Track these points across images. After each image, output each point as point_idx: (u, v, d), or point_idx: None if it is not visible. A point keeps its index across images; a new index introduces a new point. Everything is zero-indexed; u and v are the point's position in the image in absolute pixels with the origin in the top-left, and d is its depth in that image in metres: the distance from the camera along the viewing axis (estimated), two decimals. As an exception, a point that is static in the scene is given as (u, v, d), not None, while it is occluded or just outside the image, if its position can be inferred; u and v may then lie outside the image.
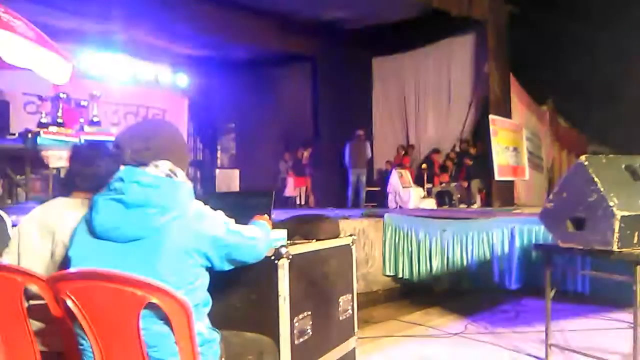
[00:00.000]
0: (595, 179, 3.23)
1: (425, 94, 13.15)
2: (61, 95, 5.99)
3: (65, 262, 2.02)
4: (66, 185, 2.52)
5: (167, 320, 1.78)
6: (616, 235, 3.12)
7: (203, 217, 1.97)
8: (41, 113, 5.90)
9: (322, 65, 13.29)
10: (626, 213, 3.13)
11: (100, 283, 1.77)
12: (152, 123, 2.10)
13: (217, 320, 2.13)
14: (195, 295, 1.93)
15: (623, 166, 3.42)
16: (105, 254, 1.88)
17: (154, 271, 1.82)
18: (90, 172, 2.46)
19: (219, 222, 2.02)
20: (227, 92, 13.43)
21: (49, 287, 1.90)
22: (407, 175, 11.36)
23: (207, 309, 2.05)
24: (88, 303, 1.80)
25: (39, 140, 5.38)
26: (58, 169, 5.59)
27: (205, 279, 2.00)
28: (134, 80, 11.35)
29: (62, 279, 1.84)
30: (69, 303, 1.80)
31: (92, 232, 1.91)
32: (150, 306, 1.74)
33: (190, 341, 1.80)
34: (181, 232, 1.89)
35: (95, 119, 6.18)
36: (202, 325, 1.99)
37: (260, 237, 2.20)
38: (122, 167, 1.97)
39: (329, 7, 11.06)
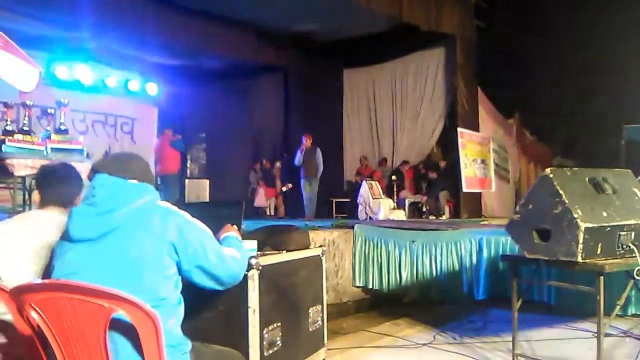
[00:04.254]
0: (560, 192, 3.30)
1: (395, 106, 13.29)
2: (27, 102, 5.85)
3: (49, 273, 2.07)
4: (42, 200, 2.53)
5: (134, 332, 1.75)
6: (580, 246, 3.19)
7: (188, 222, 2.07)
8: (6, 120, 5.75)
9: (294, 76, 13.33)
10: (590, 225, 3.19)
11: (65, 294, 1.74)
12: (127, 153, 2.30)
13: (185, 331, 2.11)
14: (169, 285, 1.98)
15: (587, 179, 3.50)
16: (81, 254, 1.94)
17: (129, 259, 1.90)
18: (66, 191, 2.51)
19: (204, 234, 2.12)
20: (198, 102, 13.33)
21: (13, 299, 1.84)
22: (377, 186, 11.43)
23: (180, 309, 2.06)
24: (53, 315, 1.76)
25: (3, 148, 5.23)
26: (23, 178, 5.46)
27: (177, 274, 2.04)
28: (102, 88, 11.17)
29: (27, 291, 1.81)
30: (34, 315, 1.77)
31: (69, 238, 1.98)
32: (117, 317, 1.72)
33: (158, 353, 1.77)
34: (152, 222, 1.98)
35: (62, 127, 6.05)
36: (174, 323, 2.00)
37: (238, 259, 2.25)
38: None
39: (302, 20, 11.11)
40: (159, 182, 9.96)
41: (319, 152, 10.77)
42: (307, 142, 10.81)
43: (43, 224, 2.38)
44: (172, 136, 10.47)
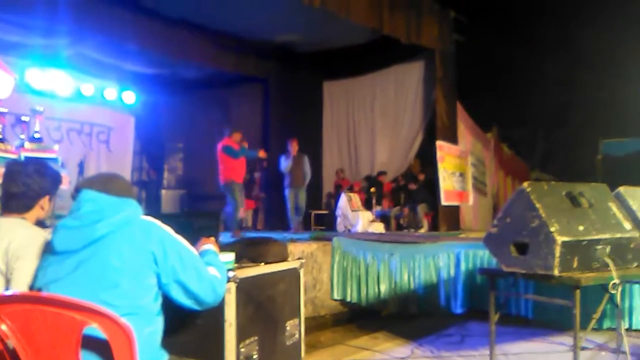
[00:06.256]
0: (537, 205, 3.32)
1: (374, 118, 13.32)
2: (1, 109, 5.75)
3: (32, 287, 2.12)
4: (2, 205, 2.43)
5: (107, 346, 1.72)
6: (557, 260, 3.21)
7: (170, 236, 2.11)
8: (-22, 128, 5.64)
9: (273, 87, 13.31)
10: (566, 238, 3.22)
11: (37, 306, 1.73)
12: (109, 172, 2.39)
13: (162, 344, 2.09)
14: (148, 295, 2.00)
15: (563, 193, 3.53)
16: (63, 264, 1.98)
17: (109, 267, 1.93)
18: (16, 191, 2.37)
19: (186, 251, 2.14)
20: (176, 111, 13.23)
21: (-18, 311, 1.80)
22: (356, 198, 11.42)
23: (159, 320, 2.08)
24: (24, 327, 1.74)
25: (-25, 156, 5.14)
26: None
27: (157, 287, 2.06)
28: (78, 97, 11.01)
29: None
30: (4, 328, 1.74)
31: (53, 251, 2.03)
32: (90, 331, 1.70)
33: (132, 368, 1.73)
34: (135, 233, 2.02)
35: (36, 135, 5.95)
36: (151, 332, 2.01)
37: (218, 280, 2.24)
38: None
39: (282, 30, 11.12)
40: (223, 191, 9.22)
41: (306, 160, 10.26)
42: (294, 148, 10.14)
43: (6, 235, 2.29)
44: (237, 142, 9.18)
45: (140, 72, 12.02)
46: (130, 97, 11.99)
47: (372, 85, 13.27)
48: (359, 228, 10.52)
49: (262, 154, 9.30)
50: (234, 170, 9.02)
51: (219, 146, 9.11)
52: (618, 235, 3.47)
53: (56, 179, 2.53)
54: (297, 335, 3.21)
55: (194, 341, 2.57)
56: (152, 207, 11.55)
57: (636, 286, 4.93)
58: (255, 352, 2.72)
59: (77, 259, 1.96)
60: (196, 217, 3.10)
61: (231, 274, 2.56)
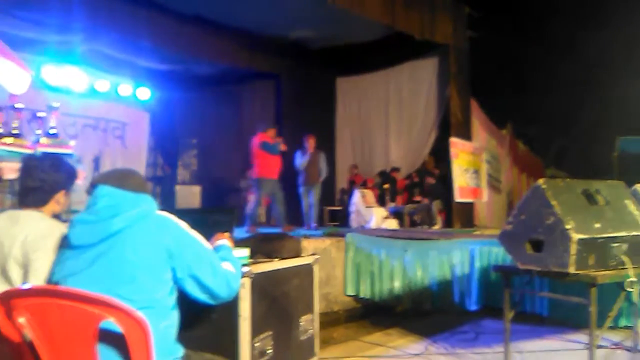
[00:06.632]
0: (553, 202, 3.29)
1: (388, 115, 13.29)
2: (18, 105, 5.80)
3: (49, 281, 2.14)
4: (19, 199, 2.46)
5: (124, 340, 1.73)
6: (572, 257, 3.18)
7: (185, 232, 2.13)
8: (-4, 123, 5.70)
9: (287, 83, 13.32)
10: (582, 236, 3.19)
11: (55, 300, 1.74)
12: (124, 168, 2.40)
13: (177, 338, 2.11)
14: (163, 289, 2.02)
15: (579, 190, 3.50)
16: (79, 258, 2.00)
17: (124, 262, 1.95)
18: (32, 185, 2.39)
19: (201, 246, 2.16)
20: (190, 107, 13.29)
21: (2, 304, 1.83)
22: (369, 194, 11.40)
23: (174, 314, 2.10)
24: (42, 320, 1.76)
25: (-7, 151, 5.20)
26: (11, 181, 5.40)
27: (172, 281, 2.08)
28: (93, 93, 11.09)
29: (16, 296, 1.81)
30: (22, 320, 1.76)
31: (69, 246, 2.05)
32: (108, 324, 1.72)
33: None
34: (150, 228, 2.05)
35: (52, 131, 6.00)
36: (167, 326, 2.04)
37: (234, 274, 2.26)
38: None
39: (296, 27, 11.12)
40: (252, 186, 9.34)
41: (323, 157, 10.04)
42: (311, 145, 9.81)
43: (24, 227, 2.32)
44: (273, 137, 9.09)
45: (155, 69, 12.08)
46: (144, 93, 12.06)
47: (386, 82, 13.23)
48: (373, 224, 10.50)
49: (283, 147, 9.22)
50: (268, 166, 8.96)
51: (255, 142, 8.99)
52: (635, 233, 3.43)
53: (72, 174, 2.55)
54: (311, 331, 3.22)
55: (209, 335, 2.58)
56: (167, 203, 11.61)
57: (653, 284, 4.88)
58: (269, 347, 2.73)
59: (93, 254, 1.99)
60: (211, 213, 3.11)
61: (246, 269, 2.57)
